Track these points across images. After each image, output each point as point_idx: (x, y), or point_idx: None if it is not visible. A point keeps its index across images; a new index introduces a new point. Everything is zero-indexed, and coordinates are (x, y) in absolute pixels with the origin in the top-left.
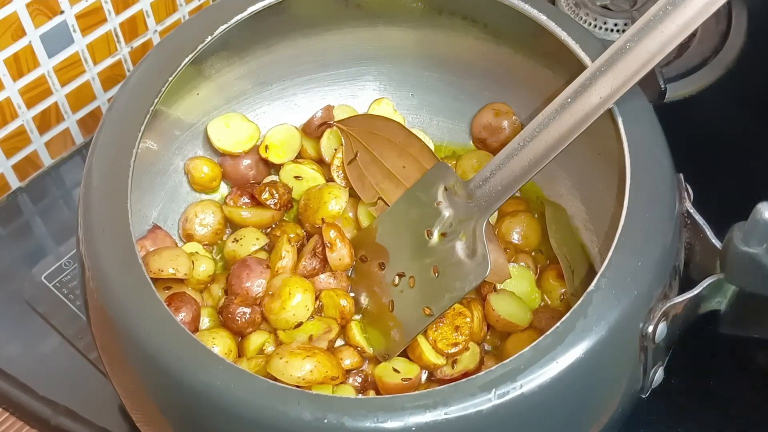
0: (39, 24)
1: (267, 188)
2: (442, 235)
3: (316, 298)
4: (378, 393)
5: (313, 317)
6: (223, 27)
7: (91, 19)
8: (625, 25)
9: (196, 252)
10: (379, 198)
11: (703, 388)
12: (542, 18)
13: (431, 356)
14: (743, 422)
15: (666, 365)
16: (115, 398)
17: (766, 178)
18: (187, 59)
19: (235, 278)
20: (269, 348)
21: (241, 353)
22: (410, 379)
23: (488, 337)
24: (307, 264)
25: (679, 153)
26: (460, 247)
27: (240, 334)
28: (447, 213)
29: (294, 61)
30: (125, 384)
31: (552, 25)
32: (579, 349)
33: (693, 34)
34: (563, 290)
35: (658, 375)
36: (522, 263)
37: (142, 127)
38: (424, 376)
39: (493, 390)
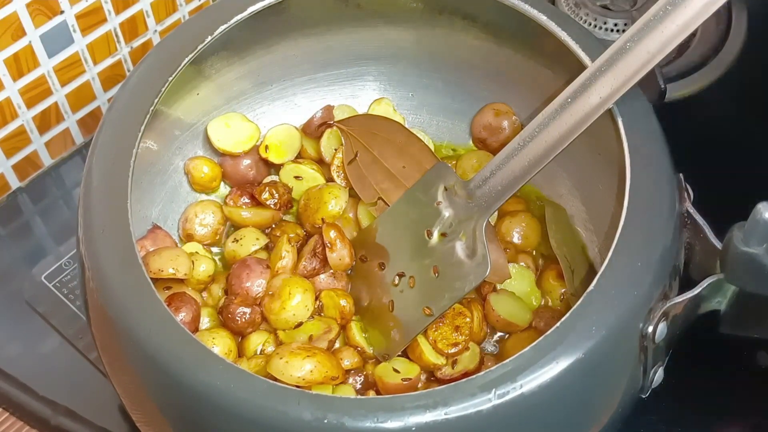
0: (39, 24)
1: (267, 188)
2: (442, 235)
3: (316, 298)
4: (378, 393)
5: (313, 317)
6: (223, 27)
7: (91, 19)
8: (625, 25)
9: (196, 252)
10: (379, 198)
11: (703, 388)
12: (542, 18)
13: (431, 356)
14: (743, 422)
15: (666, 365)
16: (115, 398)
17: (766, 178)
18: (187, 59)
19: (235, 278)
20: (269, 348)
21: (241, 353)
22: (410, 379)
23: (488, 337)
24: (307, 264)
25: (679, 153)
26: (460, 247)
27: (240, 334)
28: (447, 213)
29: (294, 61)
30: (125, 384)
31: (552, 25)
32: (579, 349)
33: (693, 34)
34: (563, 290)
35: (658, 375)
36: (522, 263)
37: (142, 127)
38: (423, 377)
39: (493, 390)
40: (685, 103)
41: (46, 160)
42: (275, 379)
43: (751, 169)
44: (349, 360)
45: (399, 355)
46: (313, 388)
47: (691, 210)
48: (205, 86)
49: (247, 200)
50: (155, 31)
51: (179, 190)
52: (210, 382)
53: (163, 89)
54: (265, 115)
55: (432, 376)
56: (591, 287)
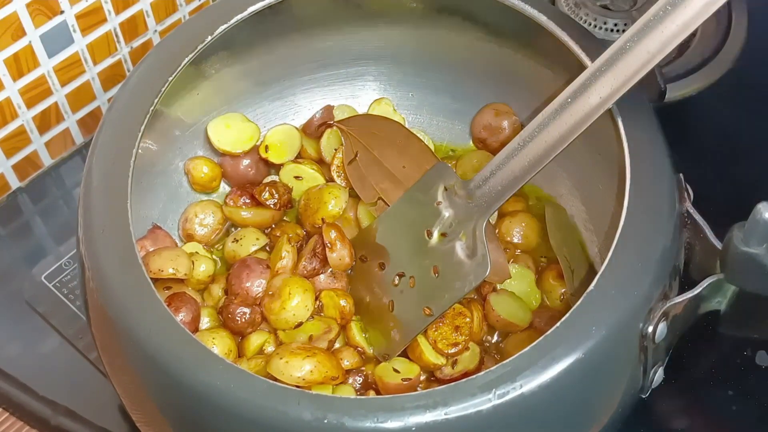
0: (39, 24)
1: (267, 188)
2: (442, 235)
3: (316, 298)
4: (378, 393)
5: (313, 317)
6: (223, 27)
7: (91, 19)
8: (625, 25)
9: (196, 252)
10: (379, 198)
11: (703, 388)
12: (542, 18)
13: (431, 356)
14: (744, 422)
15: (666, 365)
16: (115, 398)
17: (766, 178)
18: (187, 59)
19: (235, 278)
20: (269, 348)
21: (241, 353)
22: (410, 379)
23: (488, 337)
24: (307, 264)
25: (679, 153)
26: (460, 247)
27: (240, 334)
28: (447, 213)
29: (294, 61)
30: (125, 384)
31: (552, 25)
32: (579, 349)
33: (693, 34)
34: (563, 290)
35: (658, 375)
36: (522, 263)
37: (142, 127)
38: (423, 377)
39: (493, 390)
40: (685, 103)
41: (46, 160)
42: (275, 379)
43: (751, 169)
44: (349, 360)
45: (399, 355)
46: (313, 388)
47: (691, 210)
48: (205, 86)
49: (247, 200)
50: (155, 31)
51: (179, 190)
52: (210, 382)
53: (163, 89)
54: (265, 115)
55: (432, 376)
56: (591, 287)
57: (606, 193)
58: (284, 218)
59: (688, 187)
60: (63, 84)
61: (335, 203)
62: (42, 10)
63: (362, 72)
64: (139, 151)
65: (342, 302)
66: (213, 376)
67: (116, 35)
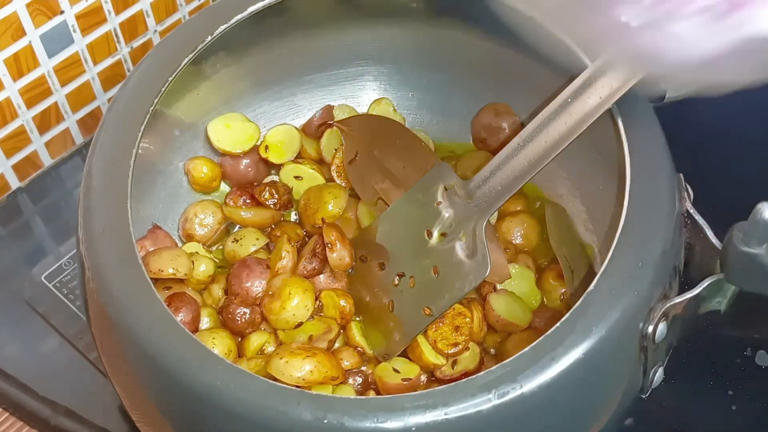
0: (39, 24)
1: (267, 188)
2: (442, 235)
3: (316, 298)
4: (378, 393)
5: (312, 317)
6: (223, 27)
7: (91, 19)
8: None
9: (196, 252)
10: (379, 198)
11: (704, 388)
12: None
13: (431, 356)
14: (744, 422)
15: (666, 365)
16: (115, 398)
17: (766, 178)
18: (187, 59)
19: (235, 278)
20: (269, 348)
21: (241, 353)
22: (410, 379)
23: (488, 337)
24: (307, 264)
25: (679, 153)
26: (460, 247)
27: (240, 334)
28: (447, 213)
29: (294, 61)
30: (125, 384)
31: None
32: (579, 349)
33: None
34: (563, 290)
35: (658, 375)
36: (522, 263)
37: (142, 127)
38: (423, 377)
39: (493, 390)
40: (685, 103)
41: (46, 160)
42: (275, 379)
43: (751, 169)
44: (349, 360)
45: (399, 355)
46: (313, 388)
47: (691, 210)
48: (205, 86)
49: (247, 200)
50: (155, 31)
51: (179, 190)
52: (210, 382)
53: (163, 89)
54: (265, 115)
55: (432, 376)
56: (591, 287)
57: (606, 193)
58: (284, 218)
59: (688, 187)
60: (63, 84)
61: (335, 203)
62: (42, 10)
63: (362, 72)
64: (139, 151)
65: (342, 302)
66: (213, 376)
67: (116, 35)
